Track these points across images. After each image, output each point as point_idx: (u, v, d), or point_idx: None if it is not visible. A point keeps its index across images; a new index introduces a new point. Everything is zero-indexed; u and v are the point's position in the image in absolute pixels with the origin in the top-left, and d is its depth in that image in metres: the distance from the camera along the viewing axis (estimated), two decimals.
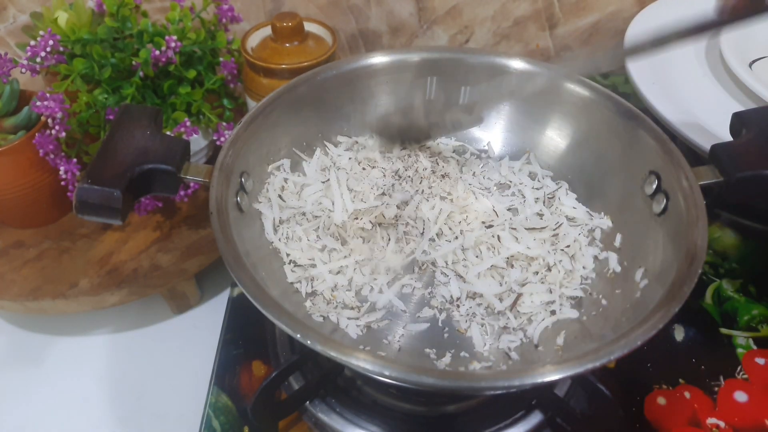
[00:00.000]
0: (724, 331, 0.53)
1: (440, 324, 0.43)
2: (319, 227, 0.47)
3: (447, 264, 0.46)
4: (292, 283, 0.44)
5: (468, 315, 0.43)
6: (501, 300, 0.43)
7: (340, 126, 0.53)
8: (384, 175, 0.50)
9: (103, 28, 0.55)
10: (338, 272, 0.45)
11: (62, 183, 0.54)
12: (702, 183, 0.40)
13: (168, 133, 0.54)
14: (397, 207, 0.47)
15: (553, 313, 0.43)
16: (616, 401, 0.40)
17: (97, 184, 0.38)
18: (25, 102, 0.56)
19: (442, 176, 0.50)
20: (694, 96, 0.58)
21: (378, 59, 0.52)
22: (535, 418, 0.45)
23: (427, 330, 0.43)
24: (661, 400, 0.48)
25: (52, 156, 0.53)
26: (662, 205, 0.42)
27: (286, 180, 0.49)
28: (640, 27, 0.67)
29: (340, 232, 0.47)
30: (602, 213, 0.48)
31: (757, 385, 0.49)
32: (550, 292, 0.44)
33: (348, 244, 0.46)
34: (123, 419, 0.52)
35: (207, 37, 0.59)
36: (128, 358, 0.57)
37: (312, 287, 0.44)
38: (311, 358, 0.47)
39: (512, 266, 0.45)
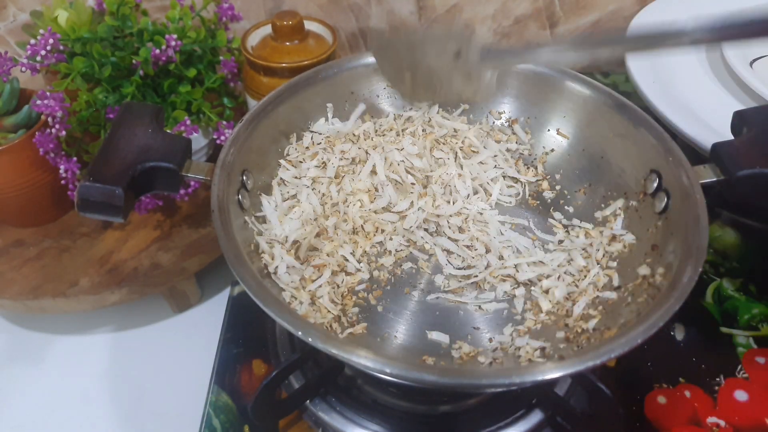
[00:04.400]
0: (724, 330, 0.53)
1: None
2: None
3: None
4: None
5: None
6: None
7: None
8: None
9: (103, 27, 0.55)
10: None
11: (62, 182, 0.54)
12: (703, 181, 0.40)
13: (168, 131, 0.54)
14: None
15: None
16: (617, 400, 0.40)
17: (99, 181, 0.38)
18: (25, 101, 0.55)
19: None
20: (695, 94, 0.58)
21: None
22: (536, 417, 0.45)
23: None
24: (662, 399, 0.48)
25: (52, 155, 0.53)
26: (663, 204, 0.42)
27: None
28: (640, 26, 0.67)
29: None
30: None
31: (758, 384, 0.49)
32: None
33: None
34: (123, 418, 0.52)
35: (207, 36, 0.58)
36: (128, 357, 0.57)
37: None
38: (311, 357, 0.47)
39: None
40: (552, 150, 0.52)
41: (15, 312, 0.57)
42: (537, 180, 0.52)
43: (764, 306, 0.54)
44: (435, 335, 0.42)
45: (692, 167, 0.41)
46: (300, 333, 0.33)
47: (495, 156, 0.52)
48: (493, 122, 0.54)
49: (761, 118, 0.42)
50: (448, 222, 0.48)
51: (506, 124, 0.53)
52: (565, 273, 0.45)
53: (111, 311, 0.59)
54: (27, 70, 0.52)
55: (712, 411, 0.47)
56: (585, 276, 0.44)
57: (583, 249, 0.46)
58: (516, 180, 0.52)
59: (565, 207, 0.50)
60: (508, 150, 0.52)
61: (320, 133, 0.51)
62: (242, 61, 0.60)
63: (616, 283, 0.43)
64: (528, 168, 0.52)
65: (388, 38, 0.46)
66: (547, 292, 0.44)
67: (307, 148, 0.50)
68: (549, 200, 0.51)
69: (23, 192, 0.55)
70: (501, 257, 0.46)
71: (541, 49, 0.40)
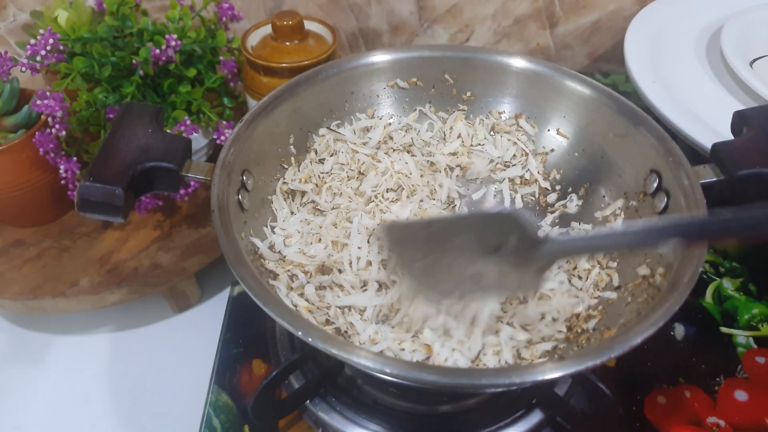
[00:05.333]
0: (724, 330, 0.53)
1: None
2: None
3: None
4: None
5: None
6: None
7: (341, 124, 0.53)
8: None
9: (103, 27, 0.55)
10: None
11: (62, 182, 0.54)
12: (703, 181, 0.40)
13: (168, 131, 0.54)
14: None
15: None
16: (617, 400, 0.40)
17: (99, 182, 0.38)
18: (25, 101, 0.55)
19: None
20: (695, 94, 0.58)
21: (379, 58, 0.52)
22: (536, 417, 0.45)
23: None
24: (662, 399, 0.48)
25: (52, 155, 0.53)
26: (663, 204, 0.42)
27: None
28: (640, 26, 0.67)
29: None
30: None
31: (758, 384, 0.49)
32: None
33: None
34: (123, 418, 0.52)
35: (207, 36, 0.58)
36: (128, 357, 0.57)
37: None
38: (311, 357, 0.47)
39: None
40: (552, 150, 0.52)
41: (15, 312, 0.57)
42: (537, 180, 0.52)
43: (764, 306, 0.54)
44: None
45: (692, 167, 0.41)
46: (300, 333, 0.33)
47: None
48: (494, 122, 0.54)
49: (761, 118, 0.42)
50: None
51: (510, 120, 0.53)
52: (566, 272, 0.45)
53: (111, 311, 0.59)
54: (27, 70, 0.52)
55: (712, 411, 0.47)
56: (586, 276, 0.44)
57: None
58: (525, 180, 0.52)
59: (565, 207, 0.50)
60: (515, 144, 0.53)
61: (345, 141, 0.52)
62: (242, 61, 0.60)
63: (616, 283, 0.43)
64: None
65: (404, 229, 0.39)
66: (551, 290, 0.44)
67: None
68: (549, 200, 0.51)
69: (23, 192, 0.55)
70: None
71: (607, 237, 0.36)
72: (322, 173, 0.51)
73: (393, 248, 0.38)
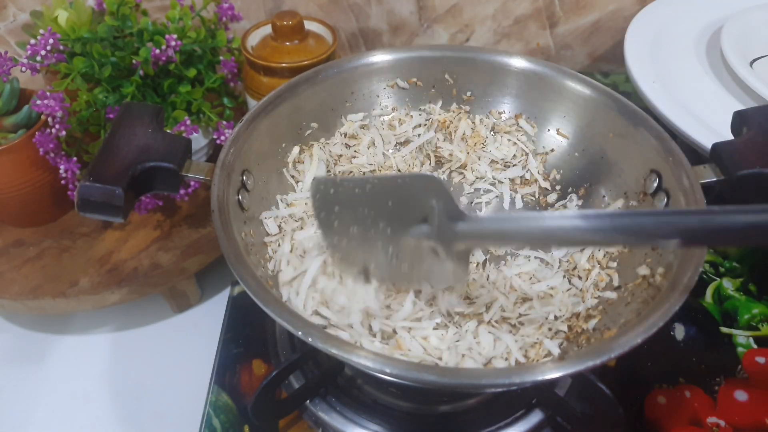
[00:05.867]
0: (724, 330, 0.53)
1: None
2: None
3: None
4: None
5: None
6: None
7: (341, 124, 0.53)
8: None
9: (103, 27, 0.55)
10: None
11: (62, 182, 0.54)
12: (703, 182, 0.40)
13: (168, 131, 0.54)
14: None
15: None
16: (617, 400, 0.40)
17: (99, 182, 0.38)
18: (25, 101, 0.55)
19: None
20: (695, 94, 0.58)
21: (379, 58, 0.52)
22: (536, 417, 0.45)
23: None
24: (662, 399, 0.48)
25: (52, 155, 0.53)
26: (663, 204, 0.42)
27: None
28: (640, 26, 0.67)
29: None
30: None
31: (758, 384, 0.49)
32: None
33: None
34: (123, 418, 0.52)
35: (207, 36, 0.58)
36: (128, 357, 0.57)
37: None
38: (311, 357, 0.47)
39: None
40: (552, 150, 0.52)
41: (15, 312, 0.57)
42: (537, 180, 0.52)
43: (764, 306, 0.54)
44: None
45: (692, 167, 0.41)
46: (300, 333, 0.33)
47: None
48: (494, 122, 0.54)
49: (761, 118, 0.41)
50: None
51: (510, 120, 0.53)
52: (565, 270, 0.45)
53: (111, 311, 0.59)
54: (27, 70, 0.52)
55: (712, 411, 0.47)
56: (586, 276, 0.44)
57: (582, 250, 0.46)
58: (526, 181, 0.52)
59: (565, 207, 0.50)
60: (515, 144, 0.53)
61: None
62: (242, 61, 0.60)
63: (616, 283, 0.43)
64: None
65: (331, 182, 0.37)
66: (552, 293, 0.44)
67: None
68: (549, 200, 0.51)
69: (23, 192, 0.55)
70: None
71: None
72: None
73: (322, 207, 0.37)
